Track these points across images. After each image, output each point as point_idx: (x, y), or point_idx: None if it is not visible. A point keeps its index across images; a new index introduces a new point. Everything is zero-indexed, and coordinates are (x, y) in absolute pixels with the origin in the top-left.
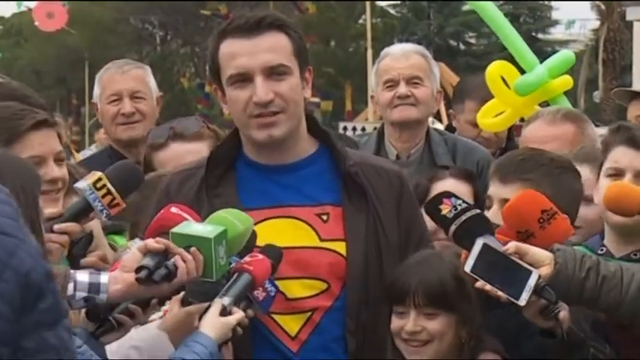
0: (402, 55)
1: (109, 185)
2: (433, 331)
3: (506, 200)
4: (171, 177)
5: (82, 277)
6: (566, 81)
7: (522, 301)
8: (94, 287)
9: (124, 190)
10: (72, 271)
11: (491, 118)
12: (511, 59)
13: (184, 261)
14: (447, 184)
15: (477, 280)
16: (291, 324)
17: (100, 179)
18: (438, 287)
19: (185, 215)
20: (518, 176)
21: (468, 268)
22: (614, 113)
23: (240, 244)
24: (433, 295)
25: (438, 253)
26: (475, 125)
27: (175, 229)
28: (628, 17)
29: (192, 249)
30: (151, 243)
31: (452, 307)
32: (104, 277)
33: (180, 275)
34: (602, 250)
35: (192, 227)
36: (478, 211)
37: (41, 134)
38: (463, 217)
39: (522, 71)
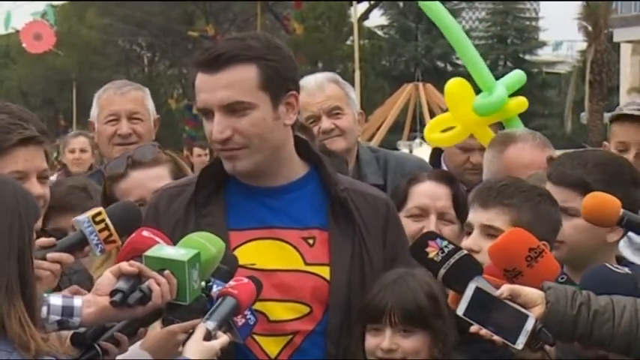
0: (318, 88)
1: (108, 220)
2: (408, 349)
3: (487, 226)
4: (159, 193)
5: (56, 300)
6: (522, 102)
7: (519, 345)
8: (68, 310)
9: (122, 229)
10: (45, 295)
11: (439, 132)
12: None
13: (158, 284)
14: (425, 186)
15: (470, 323)
16: (272, 346)
17: (99, 213)
18: (414, 306)
19: (157, 239)
20: (500, 201)
21: (460, 311)
22: (601, 134)
23: (213, 267)
24: (409, 314)
25: (411, 271)
26: (465, 150)
27: (149, 253)
28: (615, 39)
29: (166, 272)
30: (125, 266)
31: (426, 326)
32: (78, 301)
33: (154, 299)
34: (562, 278)
35: (166, 250)
36: (465, 252)
37: (28, 150)
38: (452, 260)
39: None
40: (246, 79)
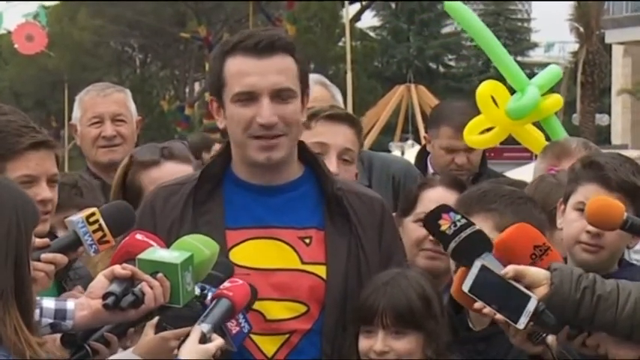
0: None
1: (102, 221)
2: (401, 351)
3: None
4: (155, 192)
5: (48, 303)
6: (557, 101)
7: (521, 325)
8: (60, 313)
9: (115, 230)
10: (38, 298)
11: (478, 134)
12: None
13: (151, 287)
14: (437, 192)
15: (474, 301)
16: (269, 345)
17: (93, 214)
18: (406, 308)
19: (150, 242)
20: (482, 207)
21: (466, 288)
22: (592, 135)
23: (207, 270)
24: (401, 316)
25: (403, 272)
26: (449, 151)
27: (142, 256)
28: (607, 40)
29: (159, 275)
30: (118, 269)
31: (419, 327)
32: (70, 304)
33: (147, 302)
34: None
35: (159, 253)
36: (477, 227)
37: (39, 154)
38: (463, 235)
39: (511, 90)
40: (292, 68)
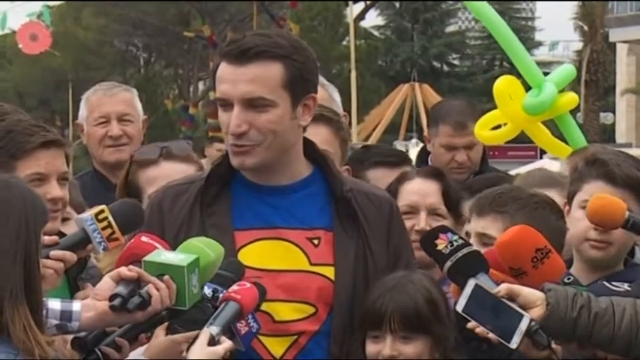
0: None
1: (111, 218)
2: (409, 355)
3: (481, 234)
4: (163, 192)
5: (54, 304)
6: (573, 99)
7: (513, 344)
8: (66, 315)
9: (124, 227)
10: (44, 299)
11: (489, 130)
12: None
13: (157, 289)
14: (415, 183)
15: (468, 320)
16: (277, 346)
17: (102, 211)
18: (414, 312)
19: (156, 244)
20: (494, 209)
21: (459, 307)
22: (597, 134)
23: (212, 272)
24: (409, 320)
25: (408, 275)
26: (449, 149)
27: (148, 258)
28: (611, 39)
29: (166, 277)
30: (124, 271)
31: (426, 331)
32: (76, 305)
33: (153, 304)
34: (568, 278)
35: (165, 255)
36: (474, 248)
37: (49, 153)
38: (459, 254)
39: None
40: (271, 76)
